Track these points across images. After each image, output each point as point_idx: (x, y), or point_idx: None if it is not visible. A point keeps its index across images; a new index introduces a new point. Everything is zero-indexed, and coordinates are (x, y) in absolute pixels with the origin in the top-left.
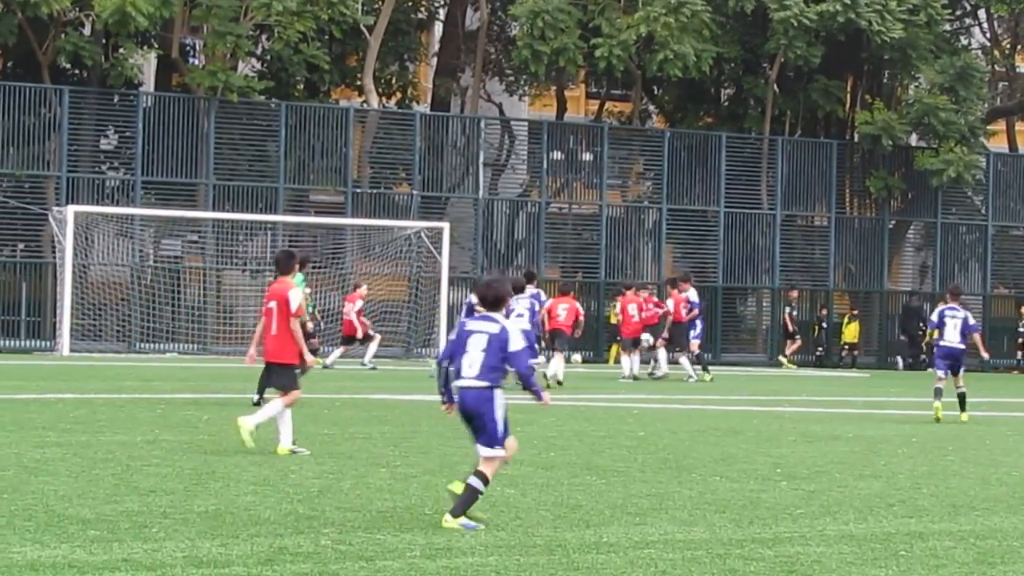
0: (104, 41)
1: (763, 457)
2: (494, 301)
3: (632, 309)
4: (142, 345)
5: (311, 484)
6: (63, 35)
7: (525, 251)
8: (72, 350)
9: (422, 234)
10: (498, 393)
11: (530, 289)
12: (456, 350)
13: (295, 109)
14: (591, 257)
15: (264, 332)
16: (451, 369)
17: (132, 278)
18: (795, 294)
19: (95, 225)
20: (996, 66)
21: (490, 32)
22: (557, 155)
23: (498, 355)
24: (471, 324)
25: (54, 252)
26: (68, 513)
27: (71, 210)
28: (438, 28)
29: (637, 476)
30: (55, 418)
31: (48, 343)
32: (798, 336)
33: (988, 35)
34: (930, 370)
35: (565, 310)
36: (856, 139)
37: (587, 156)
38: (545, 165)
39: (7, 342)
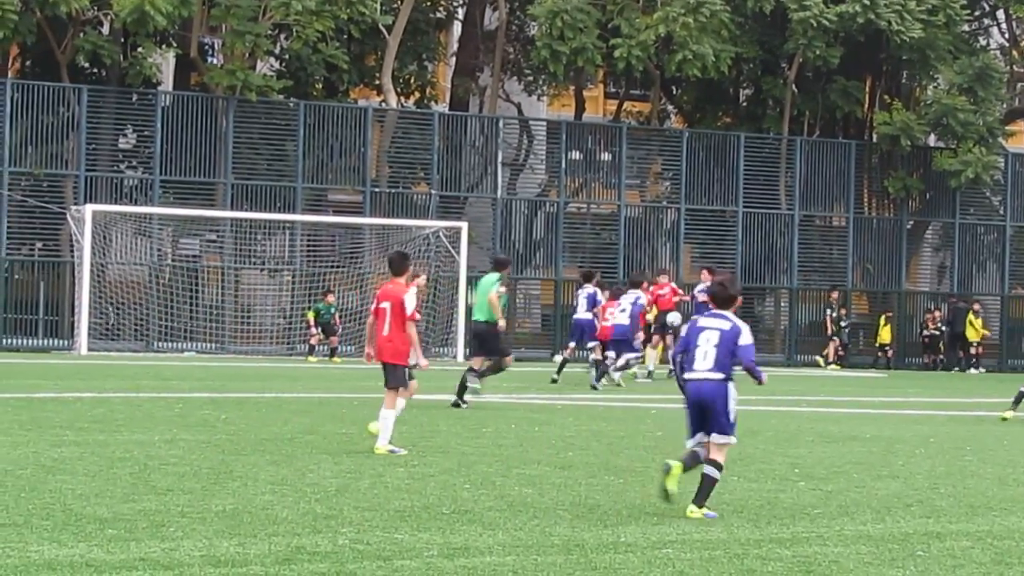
0: (123, 40)
1: (781, 457)
2: (725, 300)
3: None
4: (160, 344)
5: (329, 483)
6: (82, 34)
7: (543, 251)
8: (90, 349)
9: (440, 234)
10: (731, 385)
11: (588, 288)
12: (688, 345)
13: (314, 108)
14: (609, 257)
15: (377, 333)
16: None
17: (150, 277)
18: (836, 295)
19: (113, 224)
20: (1015, 66)
21: (509, 32)
22: (575, 155)
23: (730, 349)
24: (702, 321)
25: (72, 251)
26: (86, 512)
27: (89, 209)
28: (457, 28)
29: (655, 476)
30: (73, 417)
31: (66, 342)
32: (836, 337)
33: (1007, 35)
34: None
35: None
36: (875, 139)
37: (605, 156)
38: (563, 165)
39: (25, 341)
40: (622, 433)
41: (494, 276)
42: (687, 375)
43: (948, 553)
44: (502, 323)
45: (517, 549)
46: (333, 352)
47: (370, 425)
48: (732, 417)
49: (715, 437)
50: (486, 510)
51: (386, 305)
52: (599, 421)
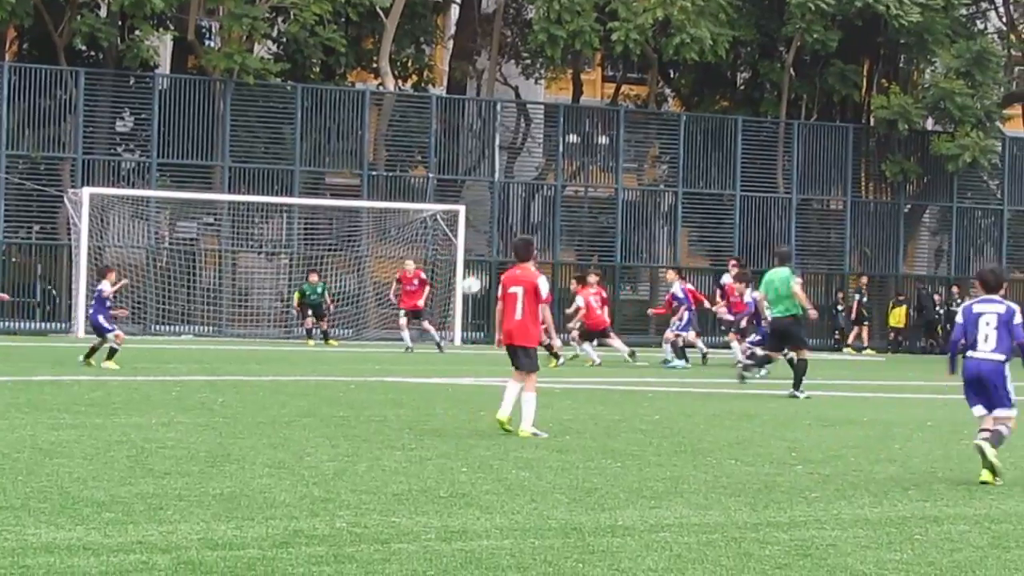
0: (120, 23)
1: (778, 441)
2: (996, 285)
3: (595, 301)
4: (157, 327)
5: (326, 467)
6: (79, 17)
7: (541, 234)
8: (87, 332)
9: (438, 217)
10: (1007, 365)
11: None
12: (966, 329)
13: (311, 92)
14: (607, 241)
15: (506, 317)
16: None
17: (147, 260)
18: (865, 280)
19: (111, 207)
20: (1012, 51)
21: (506, 15)
22: (573, 138)
23: (1008, 330)
24: (978, 307)
25: (70, 234)
26: (83, 495)
27: (87, 192)
28: (454, 11)
29: (652, 460)
30: (70, 400)
31: (63, 325)
32: (866, 321)
33: (1004, 19)
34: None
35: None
36: (872, 123)
37: (603, 139)
38: (561, 148)
39: (23, 324)
40: (619, 417)
41: (786, 270)
42: (969, 354)
43: (946, 536)
44: (813, 313)
45: (515, 532)
46: (326, 336)
47: (499, 414)
48: (1011, 392)
49: (998, 412)
50: (483, 493)
51: (517, 290)
52: (597, 405)
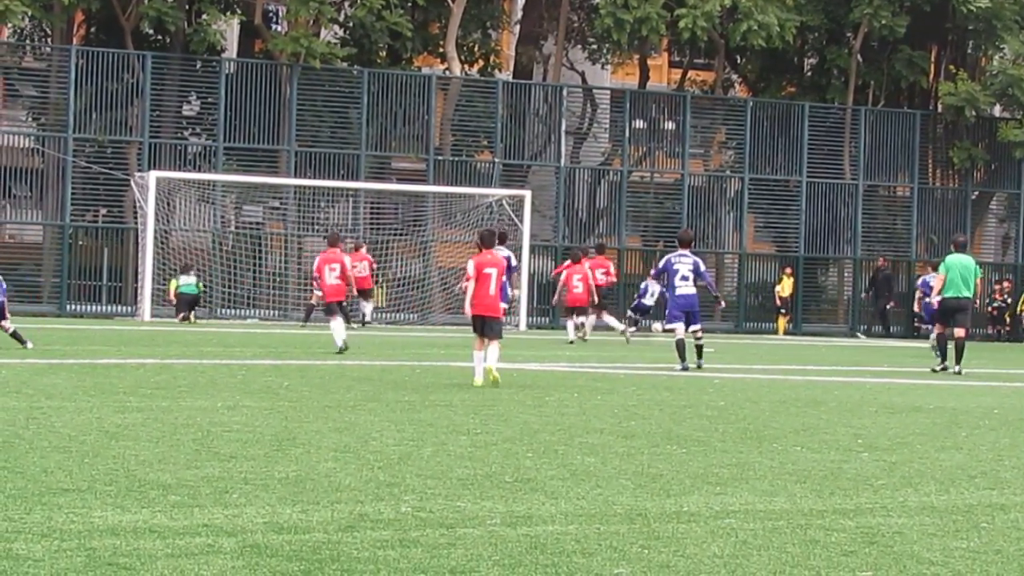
0: (187, 7)
1: (844, 428)
2: None
3: (575, 280)
4: (223, 311)
5: (391, 451)
6: (146, 1)
7: (607, 219)
8: (153, 315)
9: (503, 202)
10: None
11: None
12: None
13: (377, 76)
14: (673, 226)
15: (483, 293)
16: None
17: (213, 244)
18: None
19: (177, 191)
20: None
21: (572, 0)
22: (639, 124)
23: None
24: None
25: (136, 217)
26: (149, 478)
27: (153, 176)
28: None
29: (718, 446)
30: (136, 383)
31: (129, 308)
32: None
33: None
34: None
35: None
36: (939, 110)
37: (669, 125)
38: (627, 134)
39: (89, 307)
40: (684, 403)
41: (971, 260)
42: None
43: (1013, 525)
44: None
45: (580, 518)
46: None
47: (476, 382)
48: None
49: None
50: (548, 479)
51: (492, 271)
52: (661, 391)
